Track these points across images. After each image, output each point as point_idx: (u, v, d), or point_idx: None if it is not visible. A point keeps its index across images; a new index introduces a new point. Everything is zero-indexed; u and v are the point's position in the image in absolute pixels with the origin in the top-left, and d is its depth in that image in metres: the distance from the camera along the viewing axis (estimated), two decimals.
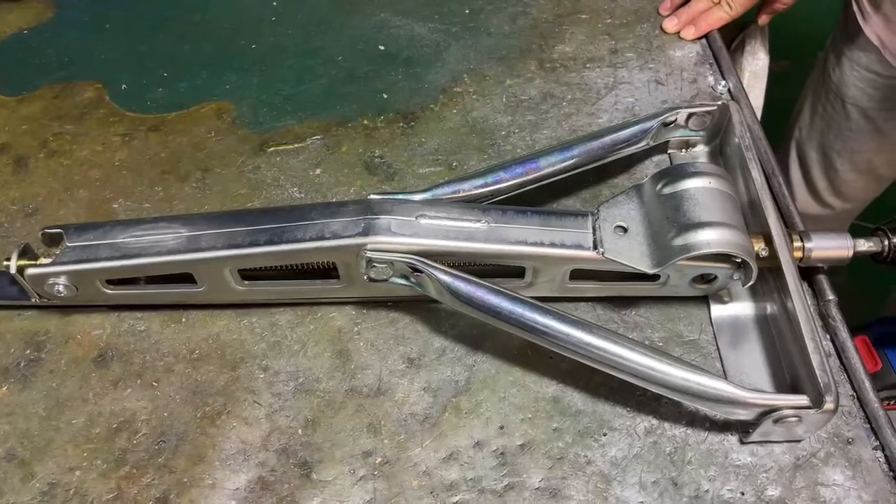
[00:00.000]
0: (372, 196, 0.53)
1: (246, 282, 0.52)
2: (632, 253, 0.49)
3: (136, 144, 0.68)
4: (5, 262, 0.53)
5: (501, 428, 0.50)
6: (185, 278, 0.52)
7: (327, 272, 0.52)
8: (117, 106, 0.72)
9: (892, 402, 0.95)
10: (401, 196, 0.53)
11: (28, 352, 0.55)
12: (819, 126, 0.99)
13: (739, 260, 0.48)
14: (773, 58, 1.18)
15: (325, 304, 0.56)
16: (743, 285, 0.49)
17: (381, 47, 0.76)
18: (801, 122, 1.03)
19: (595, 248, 0.49)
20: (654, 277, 0.50)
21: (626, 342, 0.46)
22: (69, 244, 0.52)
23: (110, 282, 0.52)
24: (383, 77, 0.73)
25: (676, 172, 0.50)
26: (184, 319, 0.56)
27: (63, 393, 0.53)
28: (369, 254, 0.48)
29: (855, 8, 0.87)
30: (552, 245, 0.49)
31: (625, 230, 0.50)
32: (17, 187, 0.66)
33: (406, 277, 0.50)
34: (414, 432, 0.50)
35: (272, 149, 0.67)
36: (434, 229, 0.49)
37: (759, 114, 0.97)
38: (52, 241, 0.53)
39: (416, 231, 0.49)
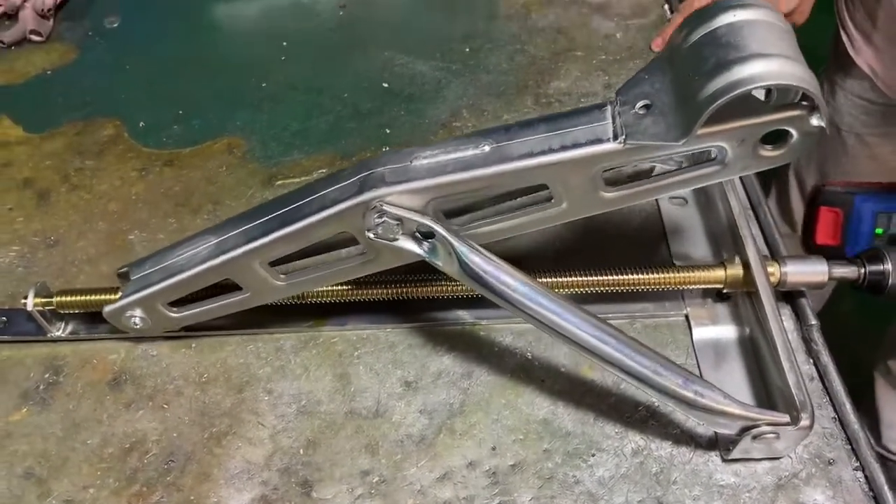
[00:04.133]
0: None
1: (282, 276, 0.52)
2: (657, 129, 0.41)
3: (152, 178, 0.72)
4: (23, 301, 0.57)
5: (494, 449, 0.52)
6: (233, 286, 0.53)
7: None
8: (135, 142, 0.76)
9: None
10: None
11: (47, 375, 0.58)
12: (816, 152, 1.02)
13: (803, 102, 0.37)
14: None
15: (327, 330, 0.59)
16: (817, 140, 0.39)
17: (385, 85, 0.80)
18: None
19: (616, 138, 0.41)
20: (708, 158, 0.42)
21: (627, 341, 0.46)
22: (133, 278, 0.55)
23: (173, 304, 0.55)
24: (386, 113, 0.77)
25: (702, 14, 0.41)
26: (193, 345, 0.59)
27: (79, 414, 0.56)
28: (378, 206, 0.45)
29: (845, 39, 0.89)
30: (563, 148, 0.42)
31: (648, 107, 0.42)
32: (40, 220, 0.69)
33: (418, 242, 0.48)
34: (410, 453, 0.52)
35: (280, 182, 0.71)
36: (429, 168, 0.45)
37: None
38: (125, 278, 0.56)
39: (411, 175, 0.45)
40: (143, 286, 0.53)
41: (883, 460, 1.11)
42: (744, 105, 0.38)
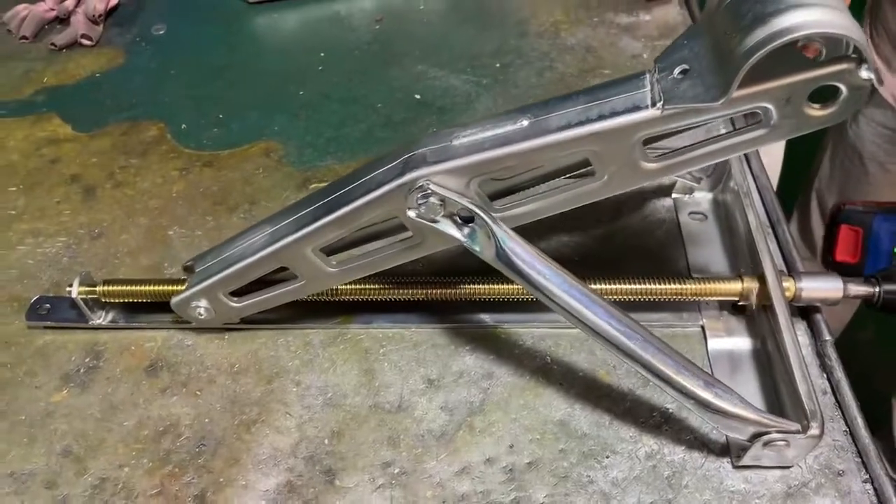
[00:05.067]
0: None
1: (334, 262, 0.54)
2: (696, 91, 0.39)
3: (192, 178, 0.76)
4: (67, 289, 0.60)
5: (511, 447, 0.54)
6: (290, 276, 0.55)
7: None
8: (176, 143, 0.80)
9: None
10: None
11: (87, 360, 0.61)
12: (838, 178, 1.03)
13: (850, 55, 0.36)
14: None
15: (355, 327, 0.61)
16: (870, 94, 0.37)
17: (418, 96, 0.83)
18: (822, 175, 1.06)
19: (654, 104, 0.40)
20: (755, 120, 0.41)
21: (654, 339, 0.47)
22: (197, 269, 0.58)
23: (234, 294, 0.57)
24: (418, 123, 0.79)
25: None
26: (226, 336, 0.62)
27: (116, 398, 0.58)
28: (425, 184, 0.45)
29: None
30: (601, 118, 0.42)
31: (686, 72, 0.41)
32: (86, 213, 0.73)
33: (458, 226, 0.48)
34: (430, 447, 0.54)
35: (314, 185, 0.74)
36: (469, 146, 0.45)
37: (777, 165, 1.01)
38: (190, 271, 0.59)
39: (451, 154, 0.46)
40: (205, 277, 0.56)
41: None
42: (786, 61, 0.37)
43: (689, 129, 0.43)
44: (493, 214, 0.48)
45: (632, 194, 0.68)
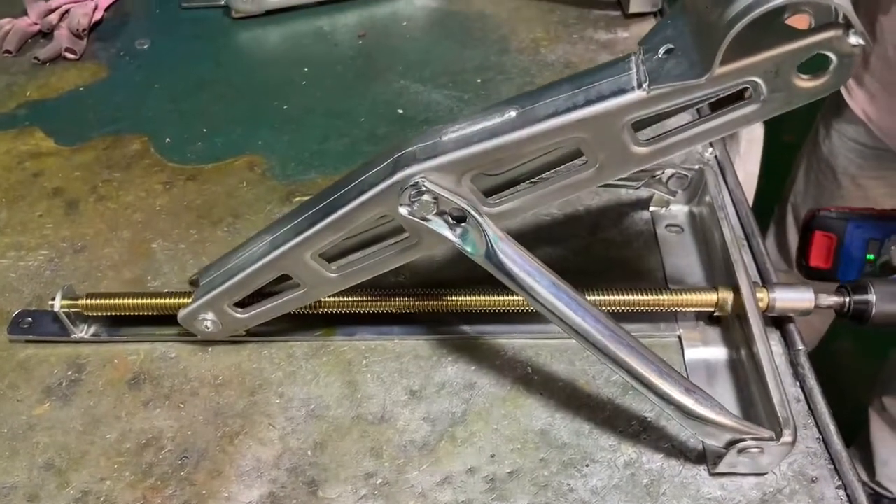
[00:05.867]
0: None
1: (334, 266, 0.54)
2: (680, 69, 0.39)
3: (176, 192, 0.76)
4: (50, 302, 0.60)
5: (493, 456, 0.54)
6: (293, 285, 0.55)
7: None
8: (160, 157, 0.80)
9: None
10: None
11: (70, 373, 0.61)
12: (812, 192, 1.05)
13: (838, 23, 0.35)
14: (784, 129, 1.23)
15: (338, 339, 0.62)
16: (858, 61, 0.38)
17: (400, 111, 0.84)
18: (796, 188, 1.09)
19: (640, 86, 0.40)
20: (740, 97, 0.40)
21: (638, 346, 0.48)
22: (202, 283, 0.58)
23: (239, 305, 0.57)
24: (401, 137, 0.80)
25: None
26: (210, 349, 0.62)
27: (99, 411, 0.58)
28: (420, 181, 0.45)
29: None
30: (588, 103, 0.41)
31: (671, 51, 0.40)
32: (68, 227, 0.73)
33: (451, 227, 0.48)
34: (412, 457, 0.55)
35: (297, 199, 0.74)
36: (458, 141, 0.45)
37: (755, 178, 1.03)
38: (196, 285, 0.59)
39: (441, 149, 0.45)
40: (210, 289, 0.56)
41: (878, 497, 1.13)
42: (771, 33, 0.37)
43: (680, 109, 0.43)
44: (488, 209, 0.47)
45: (610, 207, 0.70)
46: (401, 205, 0.47)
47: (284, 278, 0.55)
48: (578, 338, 0.48)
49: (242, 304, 0.57)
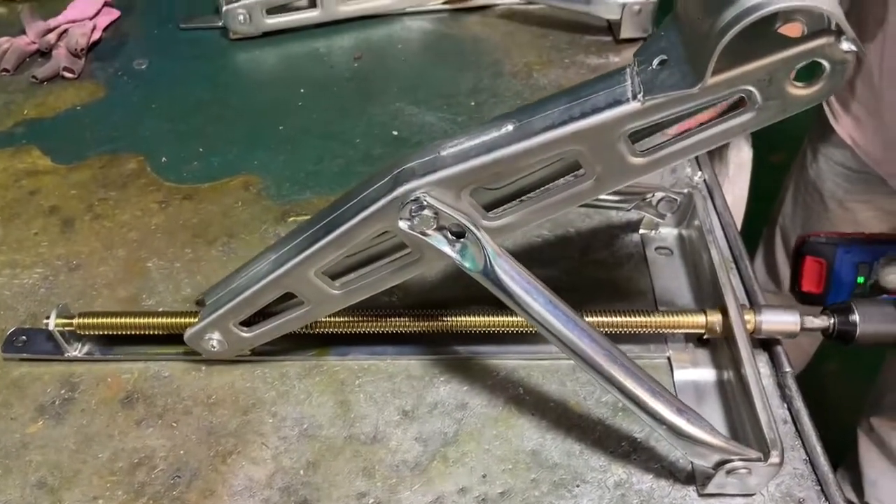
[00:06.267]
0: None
1: (338, 283, 0.54)
2: (673, 79, 0.40)
3: (171, 211, 0.77)
4: (45, 321, 0.60)
5: (484, 476, 0.55)
6: (297, 303, 0.56)
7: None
8: (156, 176, 0.81)
9: None
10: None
11: (63, 391, 0.61)
12: (800, 214, 1.07)
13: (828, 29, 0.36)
14: (771, 150, 1.25)
15: (331, 359, 0.62)
16: (852, 67, 0.37)
17: (395, 132, 0.85)
18: (784, 211, 1.10)
19: (634, 97, 0.41)
20: (737, 106, 0.41)
21: (632, 365, 0.48)
22: (208, 302, 0.59)
23: (244, 324, 0.57)
24: (399, 154, 0.81)
25: None
26: (203, 368, 0.62)
27: (91, 429, 0.59)
28: (422, 196, 0.46)
29: (826, 109, 0.95)
30: (583, 115, 0.42)
31: (664, 62, 0.41)
32: (64, 245, 0.73)
33: (450, 242, 0.49)
34: (404, 477, 0.55)
35: (292, 219, 0.75)
36: (456, 155, 0.46)
37: (743, 202, 1.05)
38: (202, 304, 0.60)
39: (440, 164, 0.46)
40: (216, 308, 0.56)
41: None
42: (763, 41, 0.37)
43: (677, 119, 0.43)
44: (489, 223, 0.48)
45: (601, 229, 0.71)
46: (401, 219, 0.48)
47: (289, 297, 0.56)
48: (573, 356, 0.49)
49: (248, 323, 0.58)
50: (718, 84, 0.39)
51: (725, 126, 0.42)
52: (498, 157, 0.45)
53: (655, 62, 0.41)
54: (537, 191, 0.48)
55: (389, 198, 0.47)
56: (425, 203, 0.46)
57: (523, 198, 0.48)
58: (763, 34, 0.37)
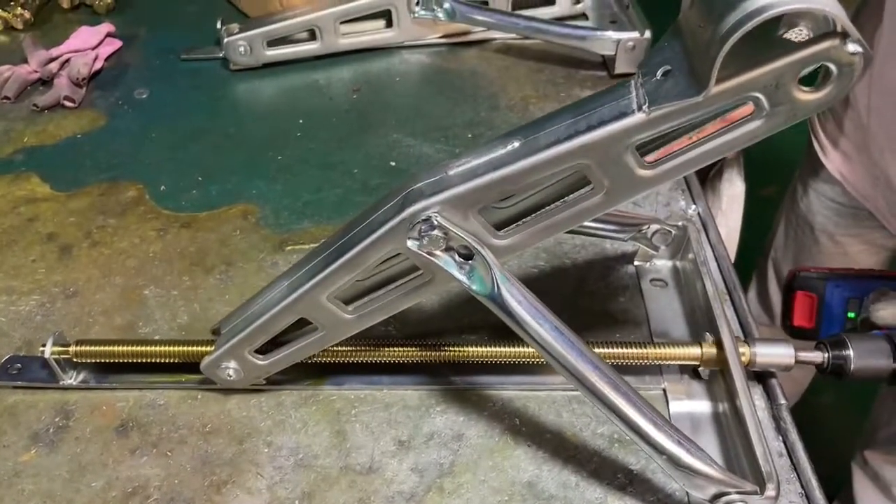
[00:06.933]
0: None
1: (350, 308, 0.54)
2: (678, 89, 0.40)
3: (169, 238, 0.77)
4: (41, 349, 0.60)
5: None
6: (312, 329, 0.56)
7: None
8: (155, 204, 0.82)
9: None
10: None
11: (57, 419, 0.61)
12: (792, 248, 1.08)
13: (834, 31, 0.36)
14: (762, 183, 1.26)
15: (327, 388, 0.62)
16: (860, 69, 0.36)
17: (393, 163, 0.86)
18: (777, 244, 1.11)
19: (640, 108, 0.41)
20: (750, 114, 0.40)
21: (635, 396, 0.48)
22: (223, 331, 0.59)
23: (259, 352, 0.57)
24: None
25: None
26: (199, 396, 0.62)
27: (85, 458, 0.58)
28: (433, 216, 0.46)
29: (816, 145, 0.97)
30: (589, 129, 0.42)
31: (668, 72, 0.41)
32: (61, 272, 0.74)
33: (459, 265, 0.49)
34: None
35: (290, 247, 0.75)
36: (463, 174, 0.46)
37: (736, 234, 1.06)
38: (218, 334, 0.60)
39: (447, 184, 0.46)
40: (231, 336, 0.56)
41: None
42: (767, 47, 0.37)
43: (682, 130, 0.43)
44: (499, 241, 0.48)
45: (596, 261, 0.72)
46: (409, 239, 0.48)
47: (303, 323, 0.56)
48: (576, 383, 0.49)
49: (263, 351, 0.58)
50: (724, 91, 0.39)
51: (734, 134, 0.41)
52: (505, 175, 0.45)
53: (659, 73, 0.41)
54: (547, 208, 0.48)
55: (398, 219, 0.48)
56: (436, 223, 0.46)
57: (533, 215, 0.48)
58: (767, 39, 0.37)
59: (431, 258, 0.48)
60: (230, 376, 0.58)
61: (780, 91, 0.39)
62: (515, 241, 0.50)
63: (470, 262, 0.48)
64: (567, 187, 0.48)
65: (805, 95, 0.39)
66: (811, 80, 0.39)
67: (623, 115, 0.41)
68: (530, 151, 0.44)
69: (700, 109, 0.40)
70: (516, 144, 0.45)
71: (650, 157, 0.44)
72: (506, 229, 0.50)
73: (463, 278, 0.49)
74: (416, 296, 0.53)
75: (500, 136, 0.47)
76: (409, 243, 0.48)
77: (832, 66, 0.37)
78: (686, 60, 0.40)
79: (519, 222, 0.49)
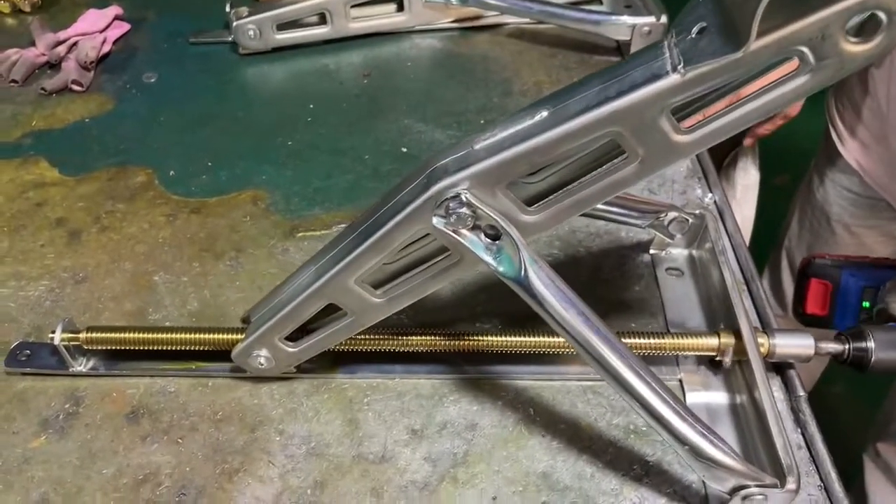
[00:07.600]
0: None
1: (379, 291, 0.52)
2: (714, 46, 0.37)
3: (179, 224, 0.76)
4: (50, 335, 0.59)
5: (494, 499, 0.54)
6: (341, 315, 0.55)
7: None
8: (164, 189, 0.81)
9: None
10: None
11: (67, 406, 0.60)
12: (806, 238, 1.07)
13: None
14: (775, 172, 1.25)
15: (339, 376, 0.61)
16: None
17: (404, 149, 0.85)
18: (791, 234, 1.10)
19: (674, 69, 0.38)
20: (794, 70, 0.37)
21: (660, 384, 0.47)
22: (252, 319, 0.58)
23: (289, 339, 0.57)
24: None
25: None
26: (210, 384, 0.62)
27: (96, 445, 0.58)
28: (462, 192, 0.44)
29: (834, 135, 0.96)
30: (620, 94, 0.39)
31: (704, 29, 0.38)
32: (70, 257, 0.73)
33: (486, 245, 0.47)
34: (413, 498, 0.54)
35: (300, 234, 0.75)
36: (492, 147, 0.43)
37: (750, 223, 1.05)
38: (247, 322, 0.60)
39: (474, 158, 0.44)
40: (261, 324, 0.56)
41: None
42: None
43: (722, 92, 0.40)
44: (529, 217, 0.46)
45: (611, 249, 0.71)
46: (436, 216, 0.46)
47: (332, 309, 0.55)
48: (601, 370, 0.48)
49: (293, 338, 0.57)
50: (766, 46, 0.36)
51: (778, 92, 0.38)
52: (534, 146, 0.42)
53: (694, 31, 0.38)
54: (579, 181, 0.45)
55: (424, 198, 0.46)
56: (464, 199, 0.44)
57: (564, 189, 0.46)
58: None
59: (458, 237, 0.46)
60: (262, 364, 0.58)
61: (827, 43, 0.36)
62: (546, 218, 0.47)
63: (497, 242, 0.46)
64: (599, 158, 0.46)
65: (854, 47, 0.36)
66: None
67: (656, 77, 0.38)
68: (559, 120, 0.41)
69: (740, 67, 0.37)
70: (544, 114, 0.43)
71: (687, 122, 0.41)
72: (536, 205, 0.47)
73: (490, 259, 0.47)
74: (445, 278, 0.51)
75: (528, 106, 0.44)
76: (435, 220, 0.46)
77: (881, 14, 0.35)
78: (723, 16, 0.37)
79: (549, 197, 0.46)
